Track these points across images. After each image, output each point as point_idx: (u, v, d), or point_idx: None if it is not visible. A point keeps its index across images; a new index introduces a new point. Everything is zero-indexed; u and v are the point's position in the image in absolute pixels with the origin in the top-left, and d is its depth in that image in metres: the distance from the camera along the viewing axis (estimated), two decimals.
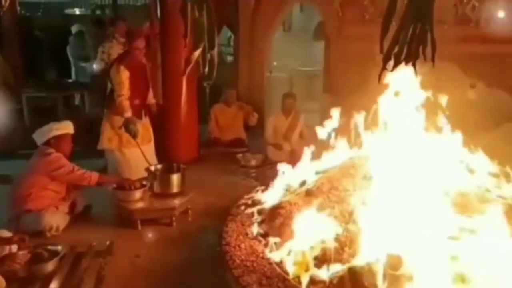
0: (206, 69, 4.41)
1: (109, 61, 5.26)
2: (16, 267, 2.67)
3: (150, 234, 3.56)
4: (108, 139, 4.40)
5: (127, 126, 4.18)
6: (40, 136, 3.63)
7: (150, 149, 4.53)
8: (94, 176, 3.63)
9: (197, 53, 4.61)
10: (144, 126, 4.51)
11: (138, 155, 4.25)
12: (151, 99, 4.66)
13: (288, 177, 3.72)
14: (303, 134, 5.60)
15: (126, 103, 4.20)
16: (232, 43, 8.42)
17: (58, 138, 3.62)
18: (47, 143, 3.61)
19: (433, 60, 2.35)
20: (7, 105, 5.88)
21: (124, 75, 4.21)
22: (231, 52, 8.43)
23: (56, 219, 3.51)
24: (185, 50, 4.78)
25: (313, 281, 2.51)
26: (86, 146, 5.68)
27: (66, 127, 3.70)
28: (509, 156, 3.22)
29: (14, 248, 2.82)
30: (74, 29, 7.68)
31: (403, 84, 3.06)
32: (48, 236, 3.44)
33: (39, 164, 3.58)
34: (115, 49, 5.30)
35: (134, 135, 4.19)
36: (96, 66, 5.40)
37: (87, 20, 8.25)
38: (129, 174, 4.26)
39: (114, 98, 4.30)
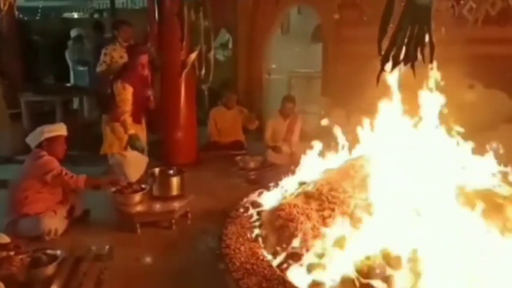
0: (203, 72, 4.46)
1: (111, 63, 5.28)
2: (13, 270, 2.66)
3: (149, 238, 3.55)
4: (109, 144, 4.47)
5: (133, 143, 4.26)
6: (33, 139, 3.61)
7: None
8: (81, 179, 3.58)
9: (193, 55, 4.64)
10: (142, 129, 4.65)
11: (138, 157, 4.31)
12: (144, 145, 4.68)
13: (287, 179, 3.73)
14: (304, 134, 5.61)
15: (129, 120, 4.29)
16: (230, 46, 8.43)
17: (51, 140, 3.59)
18: (40, 146, 3.59)
19: (431, 61, 2.36)
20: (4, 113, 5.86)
21: (129, 92, 4.31)
22: (229, 54, 8.44)
23: (54, 222, 3.50)
24: (182, 53, 4.82)
25: (314, 283, 2.52)
26: (84, 150, 5.69)
27: (59, 129, 3.67)
28: (506, 156, 3.22)
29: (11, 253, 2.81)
30: (73, 33, 7.69)
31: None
32: (47, 240, 3.43)
33: (31, 167, 3.56)
34: (118, 52, 5.31)
35: (142, 150, 4.27)
36: (98, 68, 5.42)
37: (86, 24, 8.27)
38: (132, 176, 4.26)
39: (113, 104, 4.39)
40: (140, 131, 4.58)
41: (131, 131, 4.29)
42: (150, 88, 4.76)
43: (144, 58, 4.38)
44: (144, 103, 4.62)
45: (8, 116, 5.93)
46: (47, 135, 3.58)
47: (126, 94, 4.29)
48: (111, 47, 5.37)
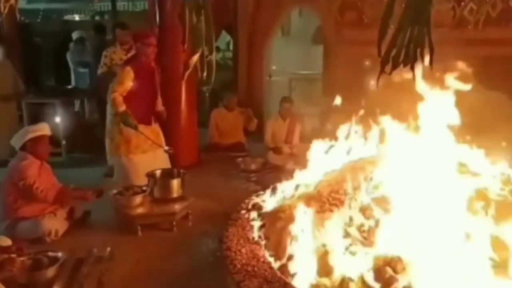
0: (205, 74, 4.43)
1: (111, 65, 5.29)
2: (15, 272, 2.66)
3: (150, 240, 3.55)
4: (116, 145, 4.33)
5: (125, 120, 4.09)
6: (17, 140, 3.58)
7: (161, 155, 4.47)
8: (50, 195, 3.49)
9: (195, 58, 4.63)
10: (154, 132, 4.46)
11: (145, 161, 4.22)
12: (160, 106, 4.59)
13: (287, 181, 3.72)
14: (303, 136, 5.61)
15: (120, 98, 4.09)
16: (231, 48, 8.45)
17: (34, 140, 3.54)
18: (24, 147, 3.55)
19: (430, 63, 2.36)
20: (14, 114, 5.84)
21: (128, 75, 4.15)
22: (230, 56, 8.46)
23: (54, 223, 3.51)
24: (184, 55, 4.81)
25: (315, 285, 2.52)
26: (85, 152, 5.69)
27: (42, 129, 3.63)
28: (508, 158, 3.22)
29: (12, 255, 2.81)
30: (75, 35, 7.70)
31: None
32: (48, 241, 3.44)
33: (11, 171, 3.53)
34: (118, 54, 5.33)
35: (135, 127, 4.11)
36: (99, 70, 5.44)
37: (87, 26, 8.29)
38: (136, 180, 4.19)
39: None
40: (152, 135, 4.38)
41: (122, 108, 4.08)
42: (159, 91, 4.60)
43: (152, 40, 4.25)
44: (152, 102, 4.46)
45: (17, 118, 5.95)
46: (30, 135, 3.54)
47: (124, 76, 4.12)
48: (111, 49, 5.40)
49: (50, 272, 2.79)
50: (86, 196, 3.68)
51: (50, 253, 2.96)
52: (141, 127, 4.23)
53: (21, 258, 2.80)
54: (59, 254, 2.94)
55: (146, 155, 4.33)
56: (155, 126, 4.53)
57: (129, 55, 5.24)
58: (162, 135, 4.59)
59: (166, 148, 4.30)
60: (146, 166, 4.14)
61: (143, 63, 4.28)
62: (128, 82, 4.16)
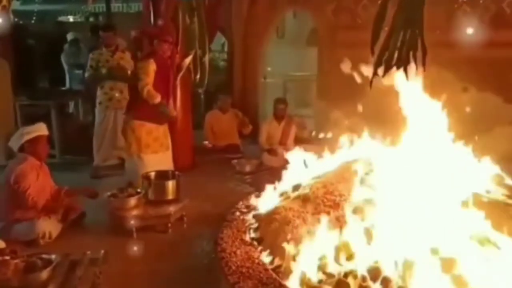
0: (198, 76, 4.43)
1: (97, 68, 5.28)
2: (8, 274, 2.64)
3: (145, 242, 3.54)
4: (128, 144, 4.34)
5: (163, 109, 4.19)
6: (15, 142, 3.56)
7: (168, 156, 4.52)
8: (39, 204, 3.50)
9: (188, 59, 4.63)
10: (164, 133, 4.49)
11: (155, 161, 4.25)
12: (172, 111, 4.54)
13: (283, 182, 3.73)
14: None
15: (152, 90, 4.14)
16: (226, 49, 8.45)
17: (32, 141, 3.53)
18: (22, 148, 3.54)
19: (423, 65, 2.38)
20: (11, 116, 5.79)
21: (152, 66, 4.18)
22: (225, 58, 8.46)
23: (48, 225, 3.50)
24: (177, 57, 4.81)
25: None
26: (79, 154, 5.66)
27: (39, 129, 3.60)
28: (500, 159, 3.25)
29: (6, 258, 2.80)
30: (69, 36, 7.69)
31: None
32: (42, 243, 3.43)
33: (8, 173, 3.52)
34: (104, 56, 5.33)
35: (171, 117, 4.25)
36: (86, 73, 5.43)
37: (81, 28, 8.26)
38: None
39: (133, 103, 4.31)
40: (162, 135, 4.44)
41: (158, 98, 4.15)
42: (171, 95, 4.56)
43: (168, 37, 4.28)
44: (165, 101, 4.43)
45: (13, 120, 5.90)
46: (27, 137, 3.52)
47: (149, 68, 4.14)
48: (98, 51, 5.41)
49: (44, 274, 2.77)
50: (72, 209, 3.76)
51: (44, 256, 2.93)
52: (153, 126, 4.30)
53: (15, 261, 2.78)
54: (53, 257, 2.92)
55: (156, 155, 4.35)
56: (165, 127, 4.54)
57: (115, 56, 5.32)
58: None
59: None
60: (155, 166, 4.16)
61: (160, 59, 4.30)
62: (152, 73, 4.19)
